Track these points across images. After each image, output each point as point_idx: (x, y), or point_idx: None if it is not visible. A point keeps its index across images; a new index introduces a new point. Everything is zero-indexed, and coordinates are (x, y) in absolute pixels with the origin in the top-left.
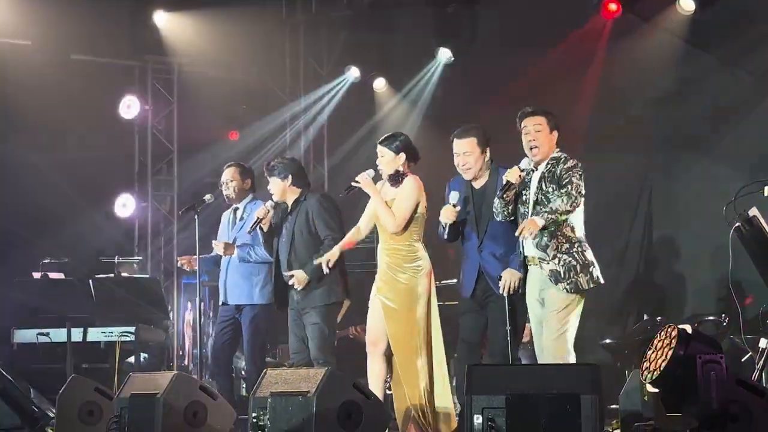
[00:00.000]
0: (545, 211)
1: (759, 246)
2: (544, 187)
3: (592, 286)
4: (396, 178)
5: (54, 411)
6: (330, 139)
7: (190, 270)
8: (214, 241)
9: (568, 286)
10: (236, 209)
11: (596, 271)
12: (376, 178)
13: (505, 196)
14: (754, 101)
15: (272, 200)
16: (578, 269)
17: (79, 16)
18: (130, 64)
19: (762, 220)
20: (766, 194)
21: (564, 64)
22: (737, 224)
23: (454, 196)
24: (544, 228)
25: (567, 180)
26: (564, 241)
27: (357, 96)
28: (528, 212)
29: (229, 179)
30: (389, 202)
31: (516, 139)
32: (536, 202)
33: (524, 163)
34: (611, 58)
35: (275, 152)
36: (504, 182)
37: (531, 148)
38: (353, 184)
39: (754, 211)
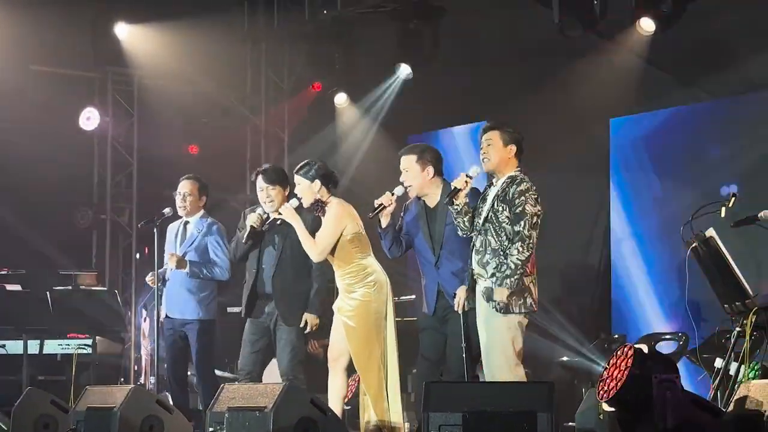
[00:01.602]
0: (507, 274)
1: (715, 266)
2: (495, 206)
3: (523, 311)
4: (317, 207)
5: (5, 424)
6: (289, 153)
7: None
8: (166, 254)
9: (498, 306)
10: (186, 223)
11: (530, 299)
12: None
13: (453, 200)
14: (713, 121)
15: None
16: (517, 293)
17: (40, 27)
18: (90, 76)
19: (719, 241)
20: (723, 215)
21: (524, 82)
22: (694, 244)
23: (474, 170)
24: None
25: (520, 209)
26: (505, 260)
27: (317, 111)
28: (478, 226)
29: (187, 192)
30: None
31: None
32: (486, 219)
33: (471, 170)
34: (571, 77)
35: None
36: (452, 188)
37: (482, 161)
38: (275, 216)
39: (711, 232)
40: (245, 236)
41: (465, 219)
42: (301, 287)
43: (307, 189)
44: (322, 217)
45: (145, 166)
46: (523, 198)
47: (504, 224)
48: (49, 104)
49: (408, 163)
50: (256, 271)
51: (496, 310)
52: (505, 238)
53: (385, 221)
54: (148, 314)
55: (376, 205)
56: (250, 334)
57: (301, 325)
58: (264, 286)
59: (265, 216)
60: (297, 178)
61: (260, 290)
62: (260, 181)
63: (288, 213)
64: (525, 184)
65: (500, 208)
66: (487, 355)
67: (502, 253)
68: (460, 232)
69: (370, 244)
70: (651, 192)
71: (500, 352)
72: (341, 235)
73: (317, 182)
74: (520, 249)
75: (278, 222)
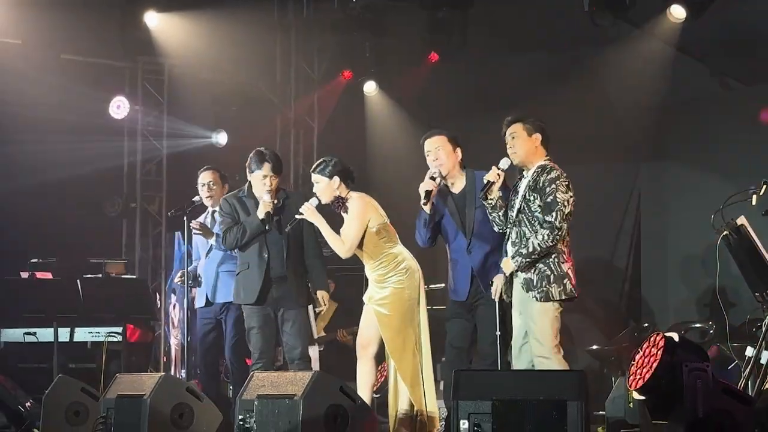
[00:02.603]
0: (522, 253)
1: (746, 254)
2: (527, 196)
3: (564, 297)
4: (338, 204)
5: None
6: (319, 142)
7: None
8: (192, 223)
9: (538, 295)
10: (214, 212)
11: (569, 284)
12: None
13: (487, 194)
14: (744, 109)
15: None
16: (551, 279)
17: (70, 16)
18: (120, 65)
19: (749, 229)
20: (754, 203)
21: (554, 71)
22: (725, 233)
23: (505, 163)
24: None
25: (551, 197)
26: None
27: (347, 99)
28: (512, 219)
29: (211, 181)
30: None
31: (501, 143)
32: (519, 210)
33: (503, 163)
34: (601, 65)
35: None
36: (484, 182)
37: (511, 156)
38: (297, 216)
39: (741, 220)
40: (264, 224)
41: (500, 213)
42: (304, 268)
43: (327, 186)
44: (344, 214)
45: (175, 154)
46: (553, 186)
47: (536, 213)
48: (80, 93)
49: (440, 142)
50: (268, 257)
51: (536, 299)
52: (539, 227)
53: (429, 209)
54: (177, 300)
55: (423, 193)
56: (259, 321)
57: (323, 303)
58: (275, 270)
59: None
60: (315, 177)
61: (274, 275)
62: (267, 168)
63: (310, 212)
64: (555, 172)
65: (532, 198)
66: (526, 344)
67: None
68: (495, 228)
69: (396, 233)
70: (681, 180)
71: (541, 340)
72: (367, 228)
73: (336, 179)
74: (546, 237)
75: (278, 206)
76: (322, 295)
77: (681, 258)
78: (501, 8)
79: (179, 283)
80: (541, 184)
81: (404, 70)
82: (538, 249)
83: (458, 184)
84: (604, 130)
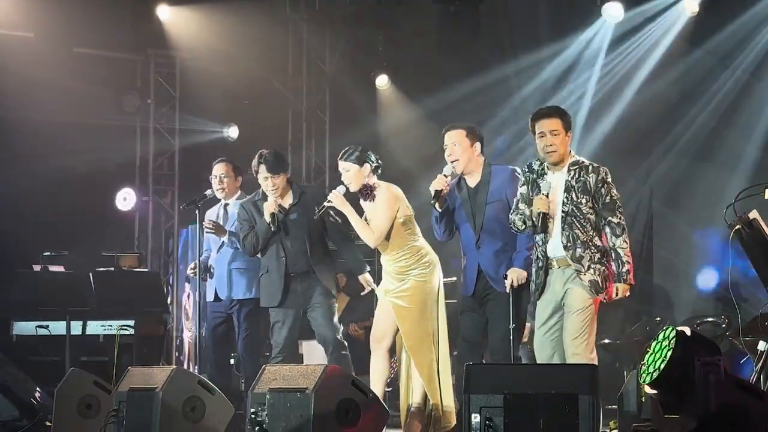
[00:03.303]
0: (620, 272)
1: (759, 248)
2: (575, 198)
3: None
4: (366, 193)
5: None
6: (331, 136)
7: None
8: (205, 221)
9: (606, 297)
10: (226, 205)
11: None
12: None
13: (439, 204)
14: (757, 104)
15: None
16: (612, 277)
17: (82, 9)
18: (132, 58)
19: (762, 223)
20: (766, 197)
21: (565, 64)
22: (737, 227)
23: (447, 168)
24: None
25: (608, 198)
26: (596, 251)
27: (359, 93)
28: (557, 225)
29: (223, 174)
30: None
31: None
32: (567, 213)
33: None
34: (613, 58)
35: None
36: (432, 192)
37: (548, 153)
38: (325, 204)
39: (754, 214)
40: (271, 225)
41: (520, 218)
42: (331, 258)
43: (357, 173)
44: (369, 203)
45: (187, 147)
46: (606, 186)
47: (589, 215)
48: (92, 86)
49: (457, 137)
50: (285, 256)
51: (605, 300)
52: (590, 228)
53: (441, 206)
54: (191, 290)
55: (433, 192)
56: (283, 316)
57: (368, 288)
58: (297, 267)
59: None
60: (344, 164)
61: (296, 272)
62: (263, 170)
63: (338, 200)
64: (602, 171)
65: (583, 200)
66: (556, 337)
67: (590, 243)
68: (441, 234)
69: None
70: (693, 174)
71: (581, 338)
72: (394, 219)
73: (366, 166)
74: (626, 240)
75: (287, 205)
76: (364, 278)
77: (693, 252)
78: (512, 2)
79: (192, 274)
80: (590, 186)
81: (416, 64)
82: (630, 255)
83: (474, 178)
84: (618, 124)
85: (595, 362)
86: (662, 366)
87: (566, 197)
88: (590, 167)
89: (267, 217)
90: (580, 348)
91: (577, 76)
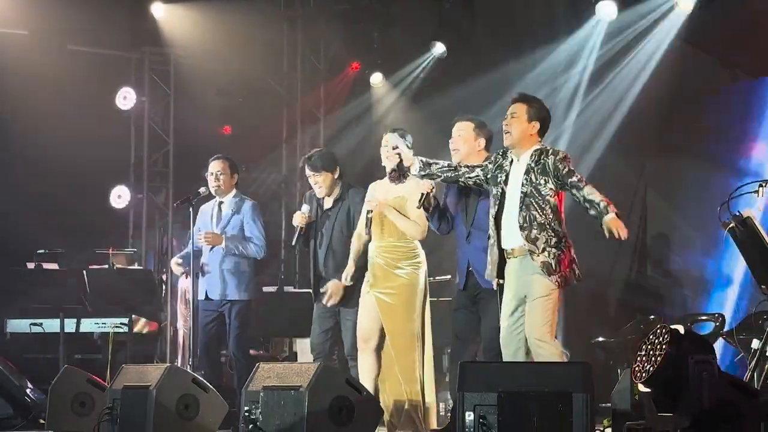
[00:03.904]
0: (599, 207)
1: (752, 247)
2: (534, 179)
3: (575, 282)
4: (399, 173)
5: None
6: (326, 133)
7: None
8: (198, 234)
9: (559, 279)
10: (221, 203)
11: (578, 269)
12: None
13: (425, 206)
14: (751, 101)
15: (313, 197)
16: (567, 263)
17: (77, 7)
18: (127, 56)
19: (756, 221)
20: (760, 195)
21: (560, 62)
22: (731, 225)
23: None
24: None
25: (565, 170)
26: (553, 234)
27: (353, 90)
28: (515, 205)
29: (219, 171)
30: (398, 200)
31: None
32: (526, 194)
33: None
34: (607, 56)
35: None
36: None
37: (504, 133)
38: (369, 216)
39: (748, 212)
40: (295, 239)
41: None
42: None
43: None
44: (396, 184)
45: (182, 145)
46: (564, 163)
47: (548, 197)
48: (86, 84)
49: (464, 128)
50: (314, 259)
51: (558, 285)
52: (549, 211)
53: (428, 208)
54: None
55: (422, 196)
56: (318, 315)
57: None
58: (327, 273)
59: (309, 213)
60: (392, 139)
61: (319, 274)
62: (306, 169)
63: (381, 205)
64: (561, 153)
65: (542, 181)
66: (519, 327)
67: (548, 226)
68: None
69: None
70: (687, 173)
71: (543, 324)
72: None
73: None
74: (593, 187)
75: (327, 207)
76: (329, 285)
77: (687, 251)
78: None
79: (175, 269)
80: (549, 166)
81: (411, 62)
82: (593, 197)
83: None
84: (610, 121)
85: (561, 351)
86: (656, 364)
87: (525, 179)
88: (551, 150)
89: (296, 230)
90: (546, 336)
91: (571, 73)
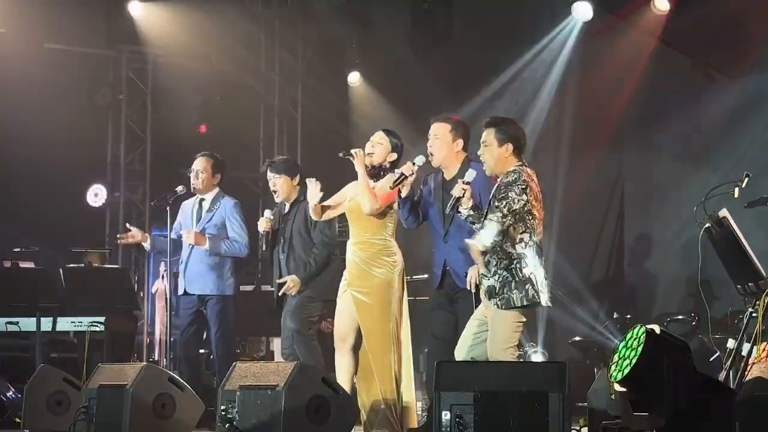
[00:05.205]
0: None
1: (728, 247)
2: (492, 203)
3: (525, 303)
4: (380, 171)
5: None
6: (303, 132)
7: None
8: (182, 231)
9: (499, 302)
10: (202, 200)
11: (532, 290)
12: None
13: (400, 188)
14: (728, 102)
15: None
16: (512, 285)
17: (54, 5)
18: (104, 54)
19: (732, 222)
20: (736, 195)
21: (538, 62)
22: (707, 225)
23: (419, 159)
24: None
25: (503, 195)
26: (504, 257)
27: (331, 90)
28: (479, 226)
29: (200, 169)
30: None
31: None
32: (485, 216)
33: (418, 160)
34: (584, 56)
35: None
36: (396, 174)
37: (482, 161)
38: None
39: (724, 213)
40: (264, 245)
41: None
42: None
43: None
44: (377, 182)
45: (159, 144)
46: (505, 190)
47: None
48: (63, 82)
49: (441, 130)
50: (278, 259)
51: (498, 307)
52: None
53: (405, 191)
54: (168, 282)
55: (397, 175)
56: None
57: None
58: (285, 272)
59: (271, 217)
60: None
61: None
62: (268, 171)
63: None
64: (513, 175)
65: (496, 205)
66: (476, 346)
67: (499, 249)
68: (410, 221)
69: None
70: (664, 172)
71: (499, 348)
72: (392, 205)
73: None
74: (495, 225)
75: (285, 211)
76: (287, 278)
77: (664, 250)
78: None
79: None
80: (499, 189)
81: (388, 61)
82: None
83: (450, 172)
84: (588, 122)
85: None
86: (632, 364)
87: (492, 200)
88: (510, 172)
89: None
90: (499, 357)
91: (548, 71)
